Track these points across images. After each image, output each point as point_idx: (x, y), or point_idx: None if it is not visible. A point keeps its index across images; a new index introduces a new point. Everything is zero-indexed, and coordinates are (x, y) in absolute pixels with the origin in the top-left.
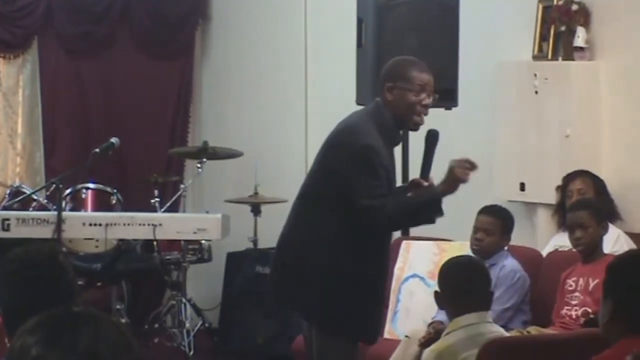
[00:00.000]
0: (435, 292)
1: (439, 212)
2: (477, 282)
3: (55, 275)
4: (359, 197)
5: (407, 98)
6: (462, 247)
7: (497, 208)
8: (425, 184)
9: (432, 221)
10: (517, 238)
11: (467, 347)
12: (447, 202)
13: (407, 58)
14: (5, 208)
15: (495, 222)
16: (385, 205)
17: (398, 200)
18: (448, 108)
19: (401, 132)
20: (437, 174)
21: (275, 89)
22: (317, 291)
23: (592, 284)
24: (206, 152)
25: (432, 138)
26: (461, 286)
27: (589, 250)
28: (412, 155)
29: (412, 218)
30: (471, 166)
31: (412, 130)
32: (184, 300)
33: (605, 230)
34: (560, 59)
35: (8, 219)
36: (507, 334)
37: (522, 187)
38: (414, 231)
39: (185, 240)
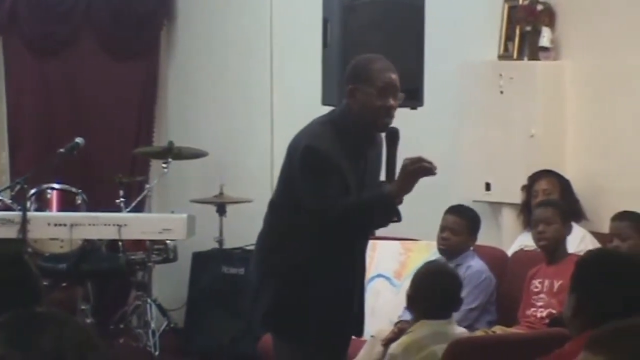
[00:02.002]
0: (408, 295)
1: (394, 213)
2: (450, 290)
3: (20, 276)
4: (306, 200)
5: (370, 101)
6: (428, 247)
7: (464, 208)
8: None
9: (386, 224)
10: (483, 238)
11: (435, 342)
12: (412, 202)
13: (369, 56)
14: None
15: (462, 222)
16: (334, 207)
17: (349, 202)
18: (413, 108)
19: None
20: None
21: (241, 88)
22: (271, 297)
23: (556, 285)
24: (171, 152)
25: (391, 137)
26: (435, 292)
27: (551, 247)
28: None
29: (363, 219)
30: (427, 163)
31: (380, 132)
32: (149, 300)
33: (569, 231)
34: (525, 58)
35: None
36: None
37: (488, 187)
38: (379, 231)
39: (150, 240)
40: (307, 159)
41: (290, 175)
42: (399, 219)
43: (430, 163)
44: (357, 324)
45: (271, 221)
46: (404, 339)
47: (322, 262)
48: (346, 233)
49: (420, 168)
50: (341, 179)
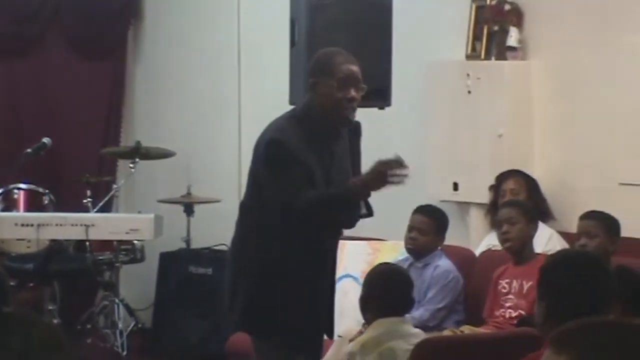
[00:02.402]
0: (361, 297)
1: (358, 207)
2: (402, 289)
3: None
4: (271, 192)
5: (331, 93)
6: (396, 247)
7: (432, 208)
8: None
9: (354, 221)
10: (450, 237)
11: (391, 338)
12: (380, 202)
13: (330, 50)
14: None
15: (430, 222)
16: (298, 199)
17: (313, 194)
18: (381, 107)
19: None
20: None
21: (208, 88)
22: (245, 297)
23: (526, 287)
24: (139, 152)
25: (354, 131)
26: (387, 292)
27: (516, 248)
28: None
29: (328, 212)
30: (398, 174)
31: (344, 126)
32: (116, 300)
33: (535, 231)
34: (493, 58)
35: None
36: (425, 335)
37: (455, 186)
38: (347, 231)
39: (117, 241)
40: (270, 152)
41: (256, 173)
42: (370, 214)
43: (402, 175)
44: (328, 325)
45: (242, 223)
46: (361, 337)
47: (292, 261)
48: (312, 228)
49: (386, 174)
50: (306, 171)
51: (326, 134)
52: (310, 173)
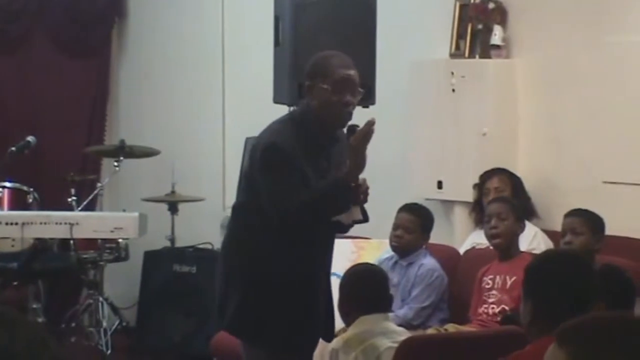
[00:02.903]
0: (339, 301)
1: (351, 197)
2: (377, 286)
3: None
4: (266, 198)
5: (327, 97)
6: (380, 245)
7: (418, 206)
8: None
9: (351, 223)
10: (435, 236)
11: (374, 335)
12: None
13: (327, 53)
14: None
15: (416, 220)
16: (293, 204)
17: (305, 195)
18: (365, 106)
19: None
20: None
21: (193, 87)
22: (237, 301)
23: (509, 282)
24: (123, 151)
25: (351, 133)
26: (365, 289)
27: (505, 244)
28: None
29: (323, 207)
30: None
31: (338, 128)
32: (101, 299)
33: (522, 229)
34: (477, 57)
35: None
36: (408, 333)
37: (440, 185)
38: None
39: (102, 239)
40: (267, 156)
41: (251, 177)
42: (366, 219)
43: (368, 125)
44: (325, 329)
45: (234, 226)
46: (344, 334)
47: (284, 267)
48: (306, 233)
49: (363, 135)
50: (302, 175)
51: (323, 137)
52: (305, 179)
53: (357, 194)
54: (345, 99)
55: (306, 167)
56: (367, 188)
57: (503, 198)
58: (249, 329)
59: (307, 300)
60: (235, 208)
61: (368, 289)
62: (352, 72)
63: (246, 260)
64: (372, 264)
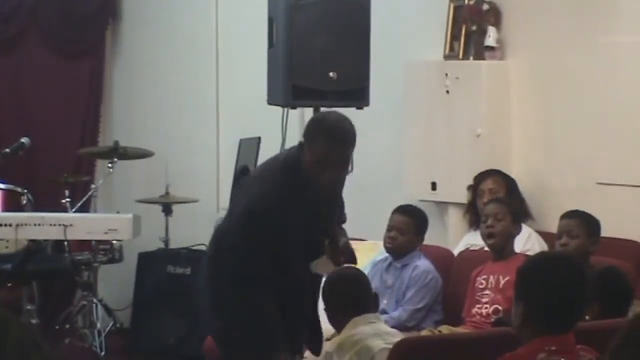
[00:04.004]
0: (326, 309)
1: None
2: (361, 289)
3: None
4: (229, 251)
5: (312, 166)
6: (374, 247)
7: (412, 208)
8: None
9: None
10: (429, 237)
11: (368, 336)
12: (358, 202)
13: (326, 119)
14: None
15: (410, 222)
16: (251, 280)
17: (259, 303)
18: (359, 107)
19: None
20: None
21: (187, 88)
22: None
23: (502, 282)
24: (117, 152)
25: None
26: (348, 294)
27: (500, 244)
28: None
29: (250, 324)
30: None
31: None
32: (95, 300)
33: (518, 231)
34: (471, 58)
35: None
36: (401, 335)
37: (434, 186)
38: None
39: (96, 241)
40: (244, 221)
41: (233, 214)
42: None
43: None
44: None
45: (215, 249)
46: (338, 337)
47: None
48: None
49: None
50: (278, 239)
51: (311, 185)
52: (283, 237)
53: (337, 257)
54: (326, 176)
55: (289, 220)
56: (351, 251)
57: (500, 199)
58: (235, 349)
59: (290, 315)
60: (217, 230)
61: (353, 291)
62: (344, 148)
63: (225, 287)
64: (347, 267)
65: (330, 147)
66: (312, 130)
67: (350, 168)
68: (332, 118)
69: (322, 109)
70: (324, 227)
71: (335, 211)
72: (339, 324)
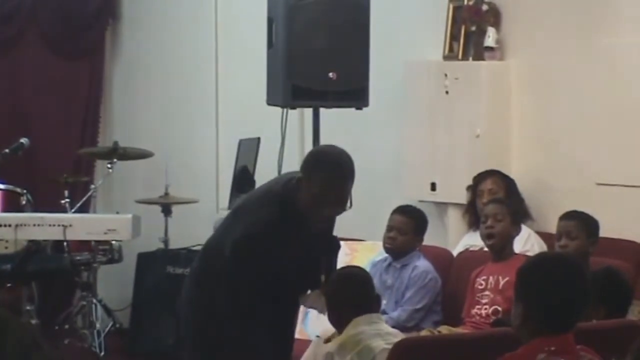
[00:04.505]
0: (328, 309)
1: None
2: (365, 289)
3: None
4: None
5: (309, 203)
6: (374, 247)
7: (412, 208)
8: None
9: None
10: (428, 238)
11: (369, 337)
12: (358, 203)
13: (326, 154)
14: None
15: (409, 222)
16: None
17: (250, 329)
18: (359, 108)
19: None
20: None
21: (186, 89)
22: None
23: (502, 282)
24: (116, 153)
25: (331, 246)
26: (350, 293)
27: (499, 245)
28: None
29: (237, 342)
30: None
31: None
32: (94, 301)
33: (518, 232)
34: (470, 58)
35: None
36: (402, 336)
37: (433, 187)
38: None
39: (95, 241)
40: (236, 253)
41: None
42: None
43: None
44: None
45: (200, 265)
46: (339, 337)
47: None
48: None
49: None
50: (267, 273)
51: (307, 222)
52: (274, 270)
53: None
54: (324, 213)
55: (281, 252)
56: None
57: (499, 199)
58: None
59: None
60: (206, 246)
61: (356, 290)
62: (342, 187)
63: (201, 316)
64: (352, 266)
65: (330, 183)
66: (311, 165)
67: (349, 204)
68: (331, 152)
69: (322, 145)
70: (316, 263)
71: (327, 245)
72: (340, 323)
